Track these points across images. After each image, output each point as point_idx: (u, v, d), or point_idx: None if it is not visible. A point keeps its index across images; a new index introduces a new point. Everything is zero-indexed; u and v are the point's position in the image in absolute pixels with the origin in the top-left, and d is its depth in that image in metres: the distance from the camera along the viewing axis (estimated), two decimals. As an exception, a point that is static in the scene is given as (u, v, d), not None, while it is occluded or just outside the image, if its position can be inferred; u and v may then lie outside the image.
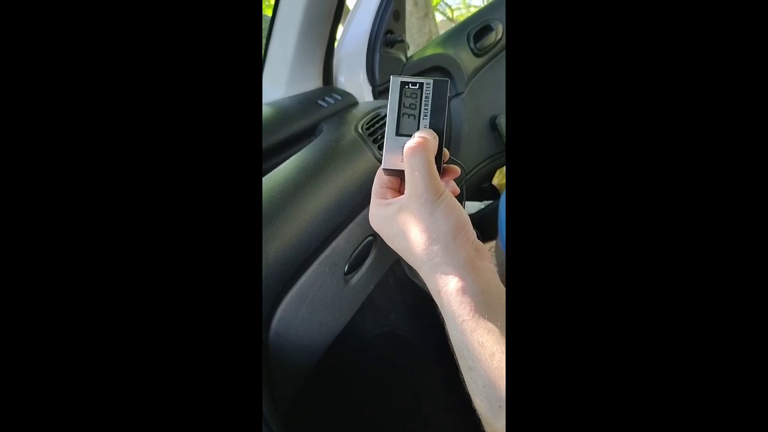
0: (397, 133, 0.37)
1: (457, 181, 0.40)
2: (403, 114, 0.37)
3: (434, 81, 0.37)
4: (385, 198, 0.38)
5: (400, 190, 0.39)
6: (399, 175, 0.38)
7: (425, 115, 0.37)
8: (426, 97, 0.37)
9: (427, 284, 0.34)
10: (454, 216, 0.33)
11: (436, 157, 0.36)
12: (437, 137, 0.37)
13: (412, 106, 0.37)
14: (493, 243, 1.29)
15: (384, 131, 0.38)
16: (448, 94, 0.38)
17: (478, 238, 0.34)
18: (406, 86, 0.37)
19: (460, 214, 0.34)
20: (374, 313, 0.77)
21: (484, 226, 1.21)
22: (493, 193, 1.28)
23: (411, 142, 0.35)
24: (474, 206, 1.29)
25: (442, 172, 0.38)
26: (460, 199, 0.36)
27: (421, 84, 0.37)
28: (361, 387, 0.77)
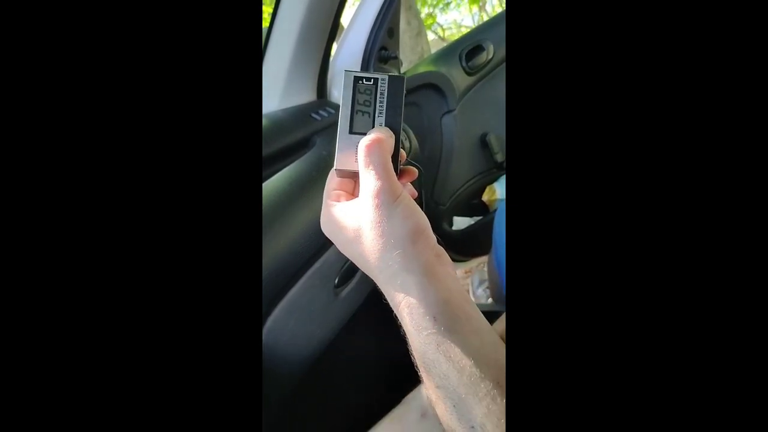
0: (351, 131, 0.35)
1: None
2: (357, 111, 0.35)
3: (390, 77, 0.35)
4: (338, 201, 0.35)
5: (354, 194, 0.37)
6: (353, 177, 0.36)
7: (380, 113, 0.35)
8: (381, 94, 0.35)
9: (385, 294, 0.32)
10: (413, 219, 0.31)
11: (392, 158, 0.34)
12: (393, 136, 0.35)
13: (367, 103, 0.35)
14: (482, 259, 1.30)
15: None
16: (404, 90, 0.36)
17: (438, 243, 0.33)
18: (360, 81, 0.35)
19: (419, 217, 0.32)
20: (364, 326, 0.76)
21: (473, 243, 1.22)
22: (482, 210, 1.29)
23: (365, 140, 0.33)
24: (463, 222, 1.30)
25: (399, 173, 0.36)
26: (419, 203, 0.34)
27: (376, 79, 0.35)
28: (350, 398, 0.76)
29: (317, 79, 0.90)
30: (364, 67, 0.93)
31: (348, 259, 0.68)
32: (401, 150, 0.35)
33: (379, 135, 0.33)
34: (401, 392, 0.85)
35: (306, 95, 0.89)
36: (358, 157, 0.33)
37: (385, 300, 0.32)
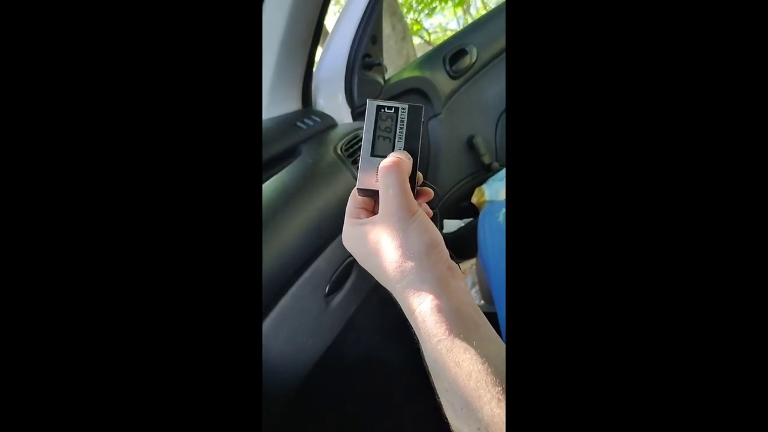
0: (372, 154, 0.38)
1: (433, 203, 0.41)
2: (379, 136, 0.38)
3: (409, 106, 0.38)
4: (359, 218, 0.38)
5: (373, 211, 0.39)
6: (373, 196, 0.38)
7: (400, 138, 0.38)
8: (401, 121, 0.38)
9: (400, 304, 0.34)
10: (428, 234, 0.33)
11: (410, 178, 0.36)
12: (411, 159, 0.37)
13: (388, 129, 0.38)
14: (473, 261, 1.30)
15: None
16: (423, 119, 0.39)
17: (452, 258, 0.35)
18: (382, 110, 0.38)
19: (433, 232, 0.34)
20: (356, 335, 0.76)
21: (463, 244, 1.22)
22: (472, 212, 1.29)
23: (386, 161, 0.36)
24: (453, 224, 1.31)
25: (416, 194, 0.38)
26: (435, 222, 0.37)
27: (397, 108, 0.38)
28: (344, 410, 0.75)
29: (302, 87, 0.90)
30: (348, 74, 0.93)
31: (338, 267, 0.69)
32: (418, 173, 0.38)
33: (398, 157, 0.36)
34: (397, 401, 0.85)
35: (291, 104, 0.89)
36: (379, 177, 0.36)
37: (400, 310, 0.34)
